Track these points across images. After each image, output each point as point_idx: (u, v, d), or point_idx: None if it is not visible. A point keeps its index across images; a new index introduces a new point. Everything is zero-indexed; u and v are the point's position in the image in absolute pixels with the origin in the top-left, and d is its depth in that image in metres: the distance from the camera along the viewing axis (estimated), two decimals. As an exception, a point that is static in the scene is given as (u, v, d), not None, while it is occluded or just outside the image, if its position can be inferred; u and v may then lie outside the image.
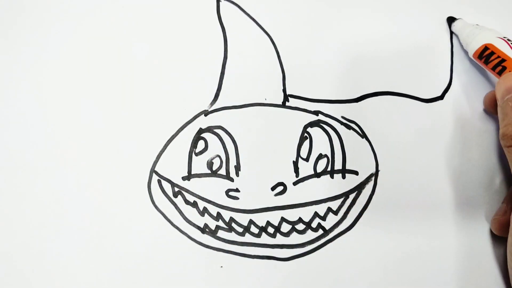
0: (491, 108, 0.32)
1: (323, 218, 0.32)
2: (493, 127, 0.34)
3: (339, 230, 0.32)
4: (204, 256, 0.32)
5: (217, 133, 0.33)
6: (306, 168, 0.33)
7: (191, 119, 0.33)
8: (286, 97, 0.34)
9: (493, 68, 0.29)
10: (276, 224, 0.32)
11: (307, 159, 0.33)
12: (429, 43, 0.35)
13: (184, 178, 0.33)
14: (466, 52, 0.35)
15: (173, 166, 0.33)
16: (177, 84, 0.34)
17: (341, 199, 0.33)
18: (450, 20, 0.34)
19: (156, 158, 0.33)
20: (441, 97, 0.34)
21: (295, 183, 0.33)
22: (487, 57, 0.30)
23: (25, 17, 0.35)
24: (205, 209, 0.32)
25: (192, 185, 0.33)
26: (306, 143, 0.33)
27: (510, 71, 0.28)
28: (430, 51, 0.35)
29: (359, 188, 0.33)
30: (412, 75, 0.35)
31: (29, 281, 0.31)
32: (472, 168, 0.33)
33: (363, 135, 0.34)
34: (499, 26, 0.35)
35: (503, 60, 0.29)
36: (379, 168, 0.33)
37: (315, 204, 0.32)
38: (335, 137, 0.33)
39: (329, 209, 0.32)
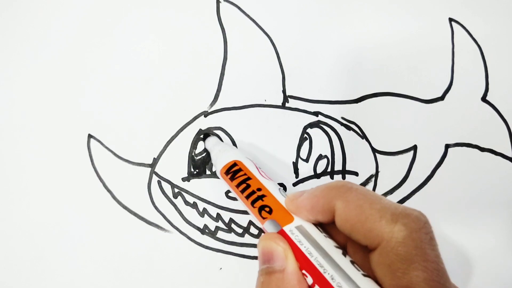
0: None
1: (323, 219, 0.32)
2: (493, 128, 0.34)
3: (339, 231, 0.32)
4: (204, 256, 0.32)
5: (217, 134, 0.33)
6: (306, 169, 0.33)
7: (190, 120, 0.33)
8: (286, 98, 0.34)
9: (238, 185, 0.27)
10: (275, 225, 0.32)
11: (307, 160, 0.33)
12: (430, 44, 0.35)
13: (184, 179, 0.33)
14: (466, 53, 0.35)
15: (173, 167, 0.33)
16: (177, 85, 0.34)
17: (341, 200, 0.32)
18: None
19: (156, 159, 0.33)
20: (441, 98, 0.34)
21: (295, 184, 0.33)
22: (234, 173, 0.28)
23: (25, 17, 0.35)
24: (204, 210, 0.32)
25: (192, 186, 0.33)
26: (306, 144, 0.33)
27: (252, 191, 0.26)
28: (430, 51, 0.35)
29: (359, 189, 0.33)
30: (413, 75, 0.35)
31: (29, 281, 0.31)
32: (472, 168, 0.33)
33: (363, 136, 0.34)
34: (499, 26, 0.35)
35: (249, 179, 0.27)
36: (379, 169, 0.33)
37: (315, 205, 0.32)
38: (335, 138, 0.33)
39: (329, 210, 0.32)
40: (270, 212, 0.24)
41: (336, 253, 0.21)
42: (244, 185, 0.27)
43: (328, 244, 0.21)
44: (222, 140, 0.33)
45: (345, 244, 0.23)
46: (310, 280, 0.20)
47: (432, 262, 0.18)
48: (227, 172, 0.28)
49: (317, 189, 0.22)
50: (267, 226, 0.24)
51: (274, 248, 0.22)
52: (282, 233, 0.23)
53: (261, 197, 0.25)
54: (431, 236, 0.19)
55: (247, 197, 0.26)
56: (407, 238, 0.18)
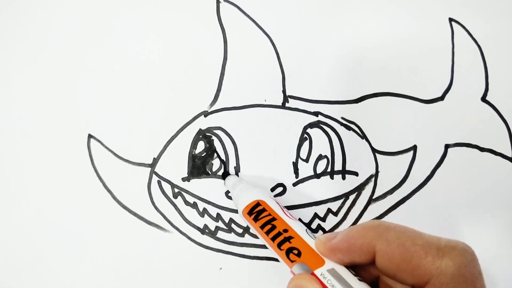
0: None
1: (323, 219, 0.32)
2: (493, 128, 0.34)
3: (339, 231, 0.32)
4: (204, 256, 0.32)
5: (217, 134, 0.33)
6: (306, 169, 0.33)
7: (190, 120, 0.33)
8: (286, 98, 0.34)
9: (262, 227, 0.26)
10: (275, 225, 0.32)
11: (307, 160, 0.33)
12: (430, 44, 0.35)
13: (184, 179, 0.33)
14: (466, 53, 0.35)
15: (173, 167, 0.33)
16: (177, 85, 0.34)
17: (341, 200, 0.32)
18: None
19: (156, 159, 0.33)
20: (441, 98, 0.34)
21: (294, 184, 0.33)
22: (257, 213, 0.27)
23: (25, 17, 0.35)
24: (204, 210, 0.32)
25: (192, 186, 0.33)
26: (306, 144, 0.33)
27: (278, 232, 0.25)
28: (430, 51, 0.35)
29: (359, 189, 0.33)
30: (413, 75, 0.35)
31: (29, 281, 0.31)
32: (472, 168, 0.33)
33: (363, 136, 0.34)
34: (499, 26, 0.35)
35: (274, 219, 0.26)
36: (379, 169, 0.33)
37: (315, 205, 0.32)
38: (335, 138, 0.33)
39: (329, 210, 0.32)
40: (299, 255, 0.23)
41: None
42: (269, 226, 0.26)
43: (363, 287, 0.21)
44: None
45: (378, 281, 0.22)
46: None
47: None
48: (250, 212, 0.27)
49: (352, 230, 0.22)
50: (296, 269, 0.23)
51: (308, 286, 0.21)
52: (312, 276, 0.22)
53: (288, 239, 0.24)
54: (479, 270, 0.19)
55: (273, 239, 0.25)
56: (456, 273, 0.18)
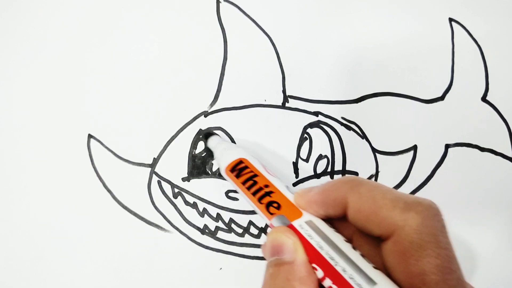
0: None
1: (323, 219, 0.32)
2: (493, 128, 0.34)
3: (339, 231, 0.32)
4: (204, 256, 0.32)
5: (218, 134, 0.33)
6: (306, 169, 0.33)
7: (190, 120, 0.33)
8: (286, 98, 0.34)
9: (244, 182, 0.27)
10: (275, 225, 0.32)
11: (307, 160, 0.33)
12: (430, 44, 0.35)
13: (184, 179, 0.33)
14: (466, 53, 0.35)
15: (173, 167, 0.33)
16: (177, 85, 0.34)
17: (341, 200, 0.32)
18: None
19: (156, 159, 0.33)
20: (441, 98, 0.34)
21: (295, 184, 0.33)
22: (239, 170, 0.28)
23: (25, 17, 0.35)
24: (204, 210, 0.32)
25: (192, 186, 0.33)
26: (306, 144, 0.33)
27: (259, 187, 0.26)
28: (430, 51, 0.35)
29: (359, 189, 0.33)
30: (413, 75, 0.35)
31: (29, 281, 0.31)
32: (472, 168, 0.33)
33: (363, 135, 0.34)
34: (499, 26, 0.35)
35: (255, 176, 0.27)
36: (379, 169, 0.33)
37: (315, 205, 0.32)
38: (335, 138, 0.33)
39: (329, 210, 0.32)
40: (278, 207, 0.24)
41: (346, 247, 0.21)
42: (251, 182, 0.27)
43: (338, 238, 0.21)
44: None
45: (351, 238, 0.23)
46: (320, 274, 0.20)
47: (445, 249, 0.18)
48: (232, 169, 0.28)
49: (327, 184, 0.23)
50: (275, 222, 0.24)
51: (284, 240, 0.22)
52: (291, 228, 0.23)
53: (268, 193, 0.25)
54: (443, 224, 0.20)
55: (254, 193, 0.26)
56: (420, 225, 0.19)
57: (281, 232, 0.22)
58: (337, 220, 0.23)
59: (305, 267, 0.21)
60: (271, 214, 0.24)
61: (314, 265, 0.21)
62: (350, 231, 0.23)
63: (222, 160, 0.30)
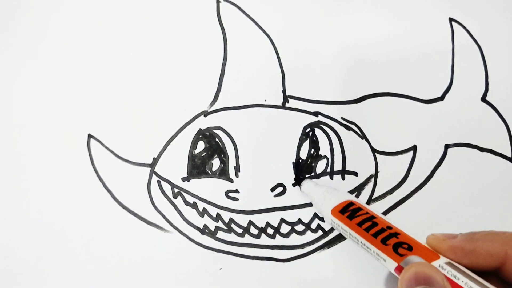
0: None
1: (323, 219, 0.32)
2: (493, 128, 0.34)
3: (338, 232, 0.32)
4: (204, 257, 0.32)
5: (217, 134, 0.33)
6: (306, 169, 0.33)
7: (190, 120, 0.33)
8: (286, 98, 0.34)
9: (360, 224, 0.26)
10: (275, 225, 0.32)
11: (307, 160, 0.33)
12: (430, 44, 0.35)
13: (183, 179, 0.33)
14: (466, 53, 0.35)
15: (173, 167, 0.33)
16: (177, 85, 0.34)
17: (341, 200, 0.32)
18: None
19: (156, 159, 0.33)
20: (441, 98, 0.34)
21: (294, 184, 0.33)
22: (353, 211, 0.26)
23: (25, 16, 0.35)
24: (204, 210, 0.32)
25: (191, 186, 0.33)
26: (306, 144, 0.33)
27: (381, 228, 0.25)
28: (430, 51, 0.35)
29: (358, 189, 0.33)
30: (413, 75, 0.35)
31: (29, 281, 0.31)
32: (472, 168, 0.33)
33: (363, 136, 0.34)
34: (499, 26, 0.35)
35: (373, 217, 0.26)
36: (379, 169, 0.33)
37: (315, 205, 0.32)
38: (334, 138, 0.33)
39: (329, 210, 0.32)
40: (409, 249, 0.23)
41: (495, 286, 0.20)
42: (369, 223, 0.25)
43: (484, 281, 0.21)
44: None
45: None
46: None
47: None
48: (343, 210, 0.27)
49: (475, 233, 0.22)
50: (407, 264, 0.22)
51: (432, 274, 0.21)
52: None
53: (394, 235, 0.24)
54: None
55: (375, 235, 0.25)
56: None
57: (427, 266, 0.21)
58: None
59: None
60: (401, 255, 0.23)
61: None
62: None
63: (327, 201, 0.28)
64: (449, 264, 0.22)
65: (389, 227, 0.25)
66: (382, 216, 0.26)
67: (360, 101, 0.34)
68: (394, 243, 0.24)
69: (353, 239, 0.26)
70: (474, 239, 0.22)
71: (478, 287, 0.20)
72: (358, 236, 0.26)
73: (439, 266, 0.21)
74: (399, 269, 0.23)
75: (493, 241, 0.21)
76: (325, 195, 0.29)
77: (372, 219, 0.26)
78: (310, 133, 0.33)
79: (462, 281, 0.20)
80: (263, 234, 0.32)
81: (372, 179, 0.33)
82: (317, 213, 0.32)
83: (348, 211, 0.27)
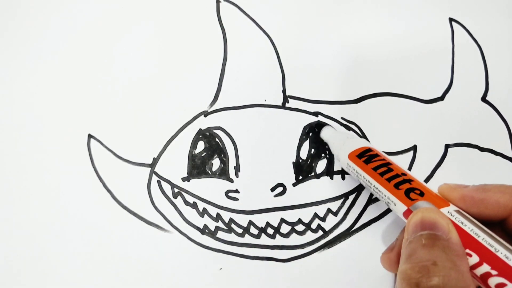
0: (391, 267, 0.27)
1: (323, 219, 0.32)
2: (493, 128, 0.34)
3: (338, 231, 0.32)
4: (204, 257, 0.32)
5: (217, 134, 0.33)
6: (306, 169, 0.33)
7: (190, 120, 0.33)
8: (286, 98, 0.34)
9: (376, 168, 0.26)
10: (275, 225, 0.32)
11: (307, 160, 0.33)
12: (430, 44, 0.35)
13: (183, 179, 0.33)
14: (466, 53, 0.35)
15: (173, 167, 0.33)
16: (177, 85, 0.34)
17: (341, 200, 0.32)
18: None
19: (156, 159, 0.33)
20: (441, 98, 0.34)
21: (294, 184, 0.33)
22: (370, 156, 0.27)
23: (26, 16, 0.35)
24: (204, 210, 0.32)
25: (191, 186, 0.33)
26: (306, 144, 0.33)
27: (396, 174, 0.25)
28: (430, 51, 0.35)
29: (358, 189, 0.33)
30: (413, 75, 0.35)
31: (29, 281, 0.31)
32: (472, 168, 0.33)
33: (363, 136, 0.33)
34: (499, 26, 0.35)
35: (389, 163, 0.26)
36: (379, 169, 0.33)
37: (315, 205, 0.32)
38: (334, 138, 0.33)
39: (329, 210, 0.32)
40: (421, 194, 0.24)
41: (499, 237, 0.21)
42: (384, 168, 0.26)
43: (490, 231, 0.21)
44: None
45: None
46: (473, 260, 0.20)
47: None
48: (360, 155, 0.28)
49: (486, 185, 0.23)
50: (416, 209, 0.23)
51: (438, 219, 0.21)
52: None
53: (408, 181, 0.25)
54: None
55: (389, 179, 0.25)
56: None
57: (434, 211, 0.22)
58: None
59: (461, 248, 0.20)
60: (412, 200, 0.24)
61: (468, 251, 0.20)
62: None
63: (346, 145, 0.29)
64: (457, 212, 0.22)
65: (404, 174, 0.26)
66: (398, 164, 0.27)
67: (360, 101, 0.34)
68: (407, 188, 0.24)
69: (367, 183, 0.27)
70: (485, 189, 0.23)
71: (483, 234, 0.20)
72: (372, 180, 0.26)
73: (448, 212, 0.22)
74: (408, 213, 0.23)
75: (503, 193, 0.22)
76: (344, 140, 0.30)
77: (388, 165, 0.26)
78: (310, 133, 0.33)
79: (469, 228, 0.21)
80: (263, 234, 0.32)
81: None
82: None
83: (365, 156, 0.28)
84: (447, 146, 0.34)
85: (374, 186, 0.26)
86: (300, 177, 0.33)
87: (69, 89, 0.34)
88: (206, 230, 0.32)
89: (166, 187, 0.33)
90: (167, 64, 0.34)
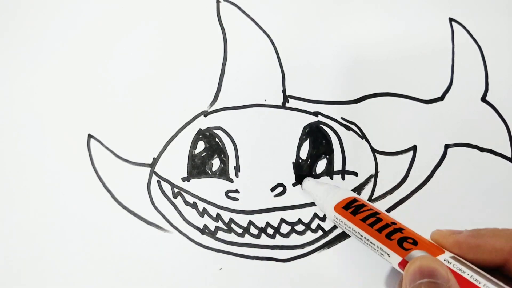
0: None
1: (323, 219, 0.32)
2: (493, 128, 0.34)
3: (338, 231, 0.32)
4: (204, 257, 0.32)
5: (217, 134, 0.33)
6: (305, 169, 0.33)
7: (190, 120, 0.33)
8: (286, 98, 0.34)
9: (364, 219, 0.26)
10: (275, 225, 0.32)
11: (306, 160, 0.33)
12: (430, 44, 0.35)
13: (183, 179, 0.33)
14: (466, 53, 0.35)
15: (173, 167, 0.33)
16: (177, 85, 0.34)
17: (341, 200, 0.32)
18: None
19: (156, 159, 0.33)
20: (441, 98, 0.34)
21: (294, 184, 0.33)
22: (356, 207, 0.27)
23: (26, 16, 0.35)
24: (204, 210, 0.32)
25: (191, 186, 0.33)
26: (306, 144, 0.33)
27: (386, 224, 0.25)
28: (430, 51, 0.35)
29: (358, 189, 0.33)
30: (413, 75, 0.35)
31: (29, 281, 0.31)
32: (472, 168, 0.33)
33: (363, 136, 0.34)
34: (499, 26, 0.35)
35: (377, 213, 0.26)
36: (379, 169, 0.33)
37: (315, 205, 0.32)
38: (334, 138, 0.33)
39: (329, 210, 0.32)
40: (414, 243, 0.23)
41: (501, 284, 0.20)
42: (373, 219, 0.25)
43: (489, 275, 0.21)
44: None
45: None
46: None
47: None
48: (346, 207, 0.27)
49: (480, 230, 0.23)
50: (411, 259, 0.22)
51: (437, 267, 0.21)
52: None
53: (399, 230, 0.24)
54: None
55: (380, 230, 0.25)
56: None
57: (431, 260, 0.21)
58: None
59: None
60: (406, 250, 0.23)
61: None
62: None
63: (330, 197, 0.29)
64: (454, 258, 0.22)
65: (394, 223, 0.25)
66: (386, 212, 0.26)
67: (360, 101, 0.34)
68: (399, 237, 0.24)
69: (356, 235, 0.26)
70: (479, 235, 0.22)
71: (483, 280, 0.20)
72: (362, 232, 0.26)
73: (444, 260, 0.22)
74: (404, 264, 0.23)
75: (498, 237, 0.22)
76: (328, 191, 0.29)
77: (376, 215, 0.26)
78: (310, 133, 0.33)
79: (468, 274, 0.21)
80: (263, 234, 0.32)
81: (372, 179, 0.33)
82: (320, 209, 0.31)
83: (351, 207, 0.27)
84: (447, 146, 0.34)
85: (365, 238, 0.26)
86: (301, 175, 0.33)
87: (69, 89, 0.34)
88: (206, 230, 0.32)
89: (166, 187, 0.33)
90: (167, 64, 0.34)
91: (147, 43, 0.34)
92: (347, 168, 0.33)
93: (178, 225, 0.32)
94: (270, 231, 0.32)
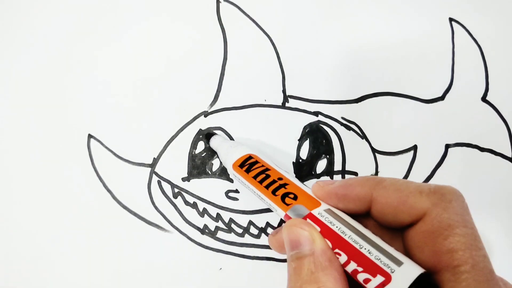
0: (279, 249, 0.27)
1: (323, 219, 0.32)
2: (493, 128, 0.34)
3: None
4: (204, 256, 0.32)
5: (218, 134, 0.33)
6: (305, 169, 0.33)
7: (190, 120, 0.33)
8: (286, 98, 0.34)
9: (255, 177, 0.27)
10: (275, 225, 0.32)
11: (306, 160, 0.33)
12: (430, 44, 0.35)
13: (184, 179, 0.33)
14: (466, 53, 0.35)
15: (173, 167, 0.33)
16: (177, 85, 0.34)
17: (341, 200, 0.32)
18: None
19: (156, 159, 0.33)
20: (441, 98, 0.34)
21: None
22: (250, 165, 0.28)
23: (25, 16, 0.35)
24: (204, 210, 0.32)
25: (192, 186, 0.33)
26: (306, 144, 0.33)
27: (273, 180, 0.26)
28: (431, 51, 0.35)
29: (358, 189, 0.33)
30: (413, 75, 0.35)
31: (29, 281, 0.31)
32: (472, 168, 0.33)
33: (363, 136, 0.34)
34: (499, 26, 0.35)
35: (267, 169, 0.27)
36: (379, 169, 0.33)
37: (315, 205, 0.32)
38: (334, 138, 0.33)
39: (329, 210, 0.32)
40: (295, 198, 0.24)
41: (367, 232, 0.21)
42: (262, 176, 0.27)
43: (358, 225, 0.22)
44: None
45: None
46: (343, 258, 0.21)
47: (471, 228, 0.19)
48: (241, 165, 0.28)
49: (349, 179, 0.24)
50: (292, 212, 0.24)
51: (300, 233, 0.22)
52: (310, 216, 0.23)
53: (283, 185, 0.25)
54: (467, 206, 0.21)
55: (267, 186, 0.26)
56: (449, 206, 0.20)
57: (295, 225, 0.22)
58: (352, 216, 0.23)
59: (326, 256, 0.21)
60: (287, 205, 0.24)
61: (337, 250, 0.21)
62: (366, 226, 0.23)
63: (229, 156, 0.29)
64: (328, 210, 0.23)
65: (280, 178, 0.26)
66: (277, 167, 0.27)
67: (360, 101, 0.34)
68: (282, 193, 0.25)
69: (252, 192, 0.27)
70: (347, 184, 0.23)
71: (350, 231, 0.21)
72: (254, 189, 0.27)
73: (319, 213, 0.23)
74: (287, 218, 0.24)
75: (362, 186, 0.22)
76: (228, 150, 0.30)
77: (266, 171, 0.27)
78: (310, 133, 0.33)
79: (337, 227, 0.22)
80: (263, 234, 0.32)
81: (372, 179, 0.33)
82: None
83: (246, 164, 0.28)
84: (447, 146, 0.34)
85: (257, 194, 0.27)
86: (300, 177, 0.33)
87: (69, 89, 0.34)
88: (206, 230, 0.32)
89: (166, 187, 0.33)
90: (167, 64, 0.34)
91: (147, 43, 0.34)
92: (347, 168, 0.33)
93: (178, 225, 0.32)
94: (270, 231, 0.32)
